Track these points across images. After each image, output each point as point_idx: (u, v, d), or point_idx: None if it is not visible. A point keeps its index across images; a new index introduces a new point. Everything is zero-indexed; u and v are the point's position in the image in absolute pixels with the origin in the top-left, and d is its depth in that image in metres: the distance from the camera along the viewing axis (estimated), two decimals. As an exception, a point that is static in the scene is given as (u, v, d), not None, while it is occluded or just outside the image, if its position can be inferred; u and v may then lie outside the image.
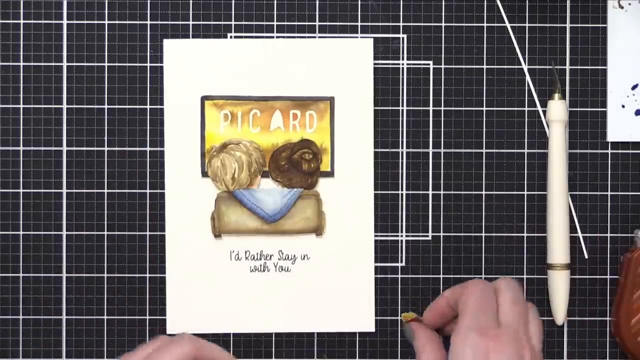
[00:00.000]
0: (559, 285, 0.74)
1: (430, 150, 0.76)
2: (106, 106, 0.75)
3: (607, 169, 0.76)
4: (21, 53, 0.75)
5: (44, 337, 0.75)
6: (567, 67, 0.76)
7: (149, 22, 0.75)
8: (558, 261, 0.74)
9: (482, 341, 0.66)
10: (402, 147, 0.75)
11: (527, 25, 0.76)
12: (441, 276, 0.76)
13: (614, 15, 0.75)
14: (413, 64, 0.76)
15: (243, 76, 0.75)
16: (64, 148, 0.75)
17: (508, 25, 0.76)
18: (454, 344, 0.67)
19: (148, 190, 0.75)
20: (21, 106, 0.75)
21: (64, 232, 0.75)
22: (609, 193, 0.76)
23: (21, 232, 0.75)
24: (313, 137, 0.75)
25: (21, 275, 0.75)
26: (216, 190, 0.75)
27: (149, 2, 0.75)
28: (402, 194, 0.76)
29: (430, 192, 0.76)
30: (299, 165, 0.75)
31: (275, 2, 0.75)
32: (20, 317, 0.75)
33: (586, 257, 0.76)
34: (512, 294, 0.68)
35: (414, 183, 0.76)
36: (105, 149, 0.75)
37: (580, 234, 0.76)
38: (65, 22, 0.75)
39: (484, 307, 0.67)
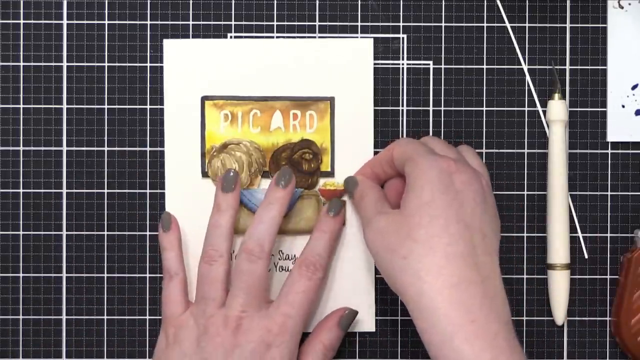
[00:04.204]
0: (559, 285, 0.74)
1: (430, 150, 0.75)
2: (106, 106, 0.75)
3: (607, 169, 0.76)
4: (21, 53, 0.75)
5: (44, 337, 0.75)
6: (567, 67, 0.76)
7: (149, 22, 0.75)
8: (558, 261, 0.74)
9: (444, 162, 0.66)
10: (402, 147, 0.75)
11: (527, 25, 0.76)
12: (441, 276, 0.76)
13: (614, 15, 0.75)
14: (413, 64, 0.76)
15: (243, 76, 0.75)
16: (64, 148, 0.75)
17: (508, 25, 0.76)
18: (413, 169, 0.67)
19: (148, 190, 0.75)
20: (21, 106, 0.75)
21: (64, 232, 0.75)
22: (609, 193, 0.76)
23: (21, 232, 0.75)
24: (313, 137, 0.75)
25: (21, 275, 0.75)
26: (216, 190, 0.75)
27: (149, 2, 0.75)
28: (402, 194, 0.75)
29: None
30: (299, 166, 0.75)
31: (275, 2, 0.75)
32: (20, 317, 0.75)
33: (586, 257, 0.76)
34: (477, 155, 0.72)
35: (414, 183, 0.75)
36: (105, 149, 0.75)
37: (580, 234, 0.76)
38: (65, 22, 0.75)
39: (431, 147, 0.70)
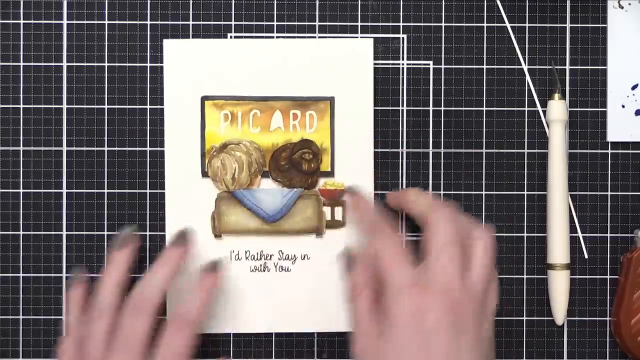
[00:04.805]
0: (559, 285, 0.74)
1: (430, 150, 0.76)
2: (106, 106, 0.75)
3: (607, 169, 0.76)
4: (21, 53, 0.75)
5: (44, 337, 0.75)
6: (567, 67, 0.76)
7: (149, 22, 0.75)
8: (558, 261, 0.74)
9: (412, 301, 0.65)
10: (402, 147, 0.76)
11: (527, 25, 0.76)
12: (441, 276, 0.76)
13: (614, 15, 0.75)
14: (413, 64, 0.76)
15: (243, 76, 0.75)
16: (64, 148, 0.75)
17: (508, 25, 0.76)
18: (386, 307, 0.66)
19: (148, 190, 0.75)
20: (21, 106, 0.75)
21: (64, 232, 0.75)
22: (609, 193, 0.76)
23: (21, 232, 0.75)
24: (313, 137, 0.75)
25: (21, 275, 0.75)
26: (216, 190, 0.75)
27: (149, 2, 0.75)
28: (402, 194, 0.76)
29: (430, 192, 0.76)
30: (299, 165, 0.75)
31: (275, 2, 0.75)
32: (20, 317, 0.75)
33: (586, 257, 0.76)
34: (488, 252, 0.67)
35: (414, 183, 0.76)
36: (105, 149, 0.75)
37: (580, 234, 0.76)
38: (65, 22, 0.75)
39: (453, 257, 0.66)
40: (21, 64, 0.75)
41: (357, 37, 0.75)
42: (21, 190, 0.75)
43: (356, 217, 0.73)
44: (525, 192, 0.76)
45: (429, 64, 0.76)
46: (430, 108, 0.76)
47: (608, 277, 0.76)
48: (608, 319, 0.76)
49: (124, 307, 0.69)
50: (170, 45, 0.75)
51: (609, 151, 0.76)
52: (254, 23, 0.75)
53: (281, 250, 0.75)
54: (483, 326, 0.66)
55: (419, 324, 0.65)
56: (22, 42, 0.75)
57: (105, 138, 0.75)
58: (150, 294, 0.69)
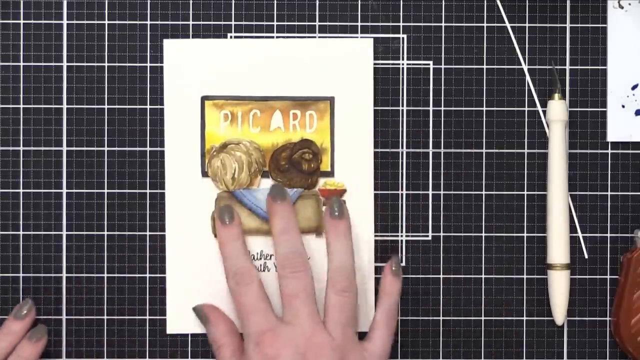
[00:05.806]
0: (559, 285, 0.74)
1: (430, 150, 0.76)
2: (106, 106, 0.75)
3: (607, 169, 0.76)
4: (21, 53, 0.75)
5: (44, 337, 0.75)
6: (567, 67, 0.76)
7: (149, 22, 0.75)
8: (558, 261, 0.74)
9: (260, 354, 0.68)
10: (402, 147, 0.76)
11: (527, 25, 0.76)
12: (441, 276, 0.76)
13: (614, 15, 0.75)
14: (413, 64, 0.76)
15: (243, 76, 0.75)
16: (64, 148, 0.75)
17: (508, 25, 0.76)
18: None
19: (148, 190, 0.75)
20: (21, 106, 0.75)
21: (64, 232, 0.75)
22: (609, 193, 0.76)
23: (21, 232, 0.75)
24: (313, 137, 0.75)
25: (21, 275, 0.75)
26: (216, 190, 0.75)
27: (149, 2, 0.75)
28: (402, 194, 0.76)
29: (430, 192, 0.76)
30: (299, 165, 0.75)
31: (275, 2, 0.75)
32: (20, 317, 0.75)
33: (586, 257, 0.76)
34: (344, 307, 0.70)
35: (414, 183, 0.76)
36: (105, 149, 0.75)
37: (580, 234, 0.76)
38: (65, 22, 0.75)
39: (307, 304, 0.69)
40: (21, 64, 0.75)
41: (357, 37, 0.75)
42: (21, 190, 0.75)
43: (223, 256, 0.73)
44: (525, 192, 0.76)
45: (429, 64, 0.76)
46: (430, 108, 0.76)
47: (608, 277, 0.76)
48: (608, 319, 0.76)
49: None
50: (170, 45, 0.75)
51: (609, 151, 0.76)
52: (254, 23, 0.75)
53: (281, 250, 0.75)
54: None
55: None
56: (22, 42, 0.75)
57: (105, 138, 0.75)
58: None
